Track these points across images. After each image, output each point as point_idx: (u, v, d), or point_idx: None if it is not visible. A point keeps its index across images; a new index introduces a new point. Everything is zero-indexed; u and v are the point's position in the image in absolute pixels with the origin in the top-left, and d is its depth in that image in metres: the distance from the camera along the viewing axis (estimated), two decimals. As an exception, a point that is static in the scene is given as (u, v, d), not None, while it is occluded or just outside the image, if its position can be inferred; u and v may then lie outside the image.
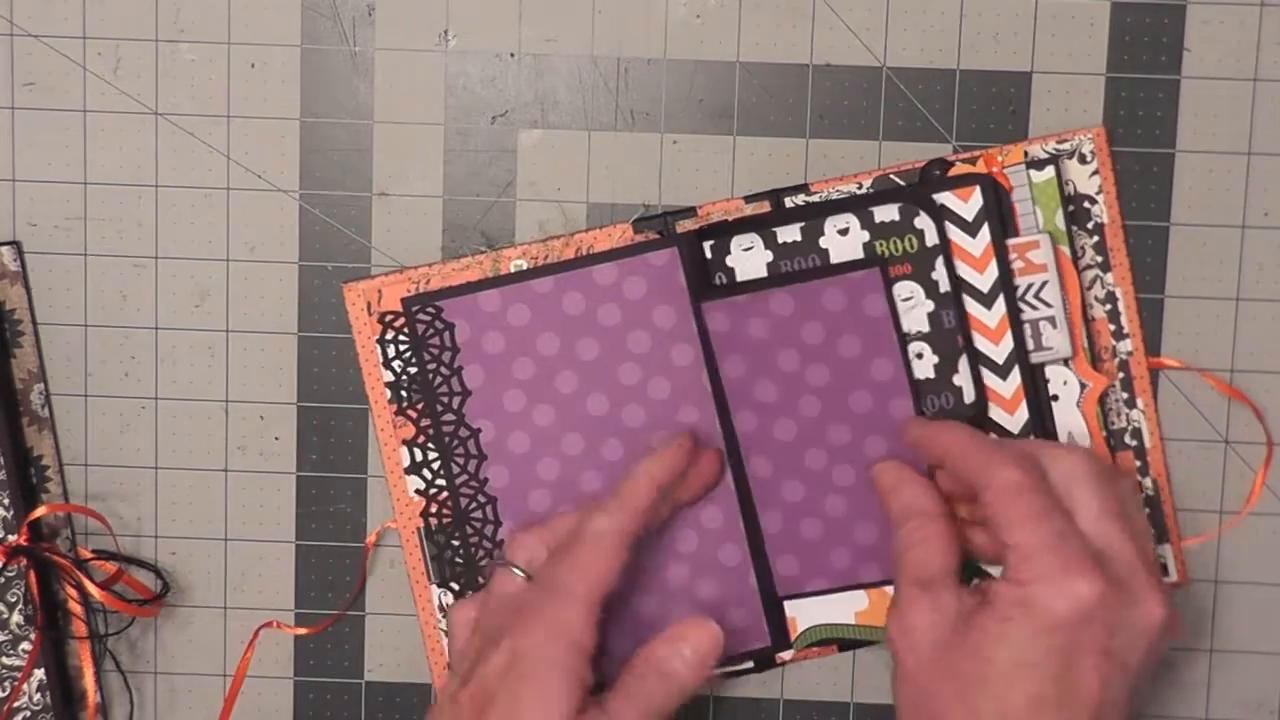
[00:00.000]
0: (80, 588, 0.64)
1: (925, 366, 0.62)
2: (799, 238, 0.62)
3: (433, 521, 0.64)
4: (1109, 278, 0.63)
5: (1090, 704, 0.53)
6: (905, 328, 0.61)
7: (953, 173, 0.62)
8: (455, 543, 0.64)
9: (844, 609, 0.63)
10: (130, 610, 0.64)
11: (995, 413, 0.62)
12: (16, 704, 0.64)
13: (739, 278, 0.62)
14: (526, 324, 0.63)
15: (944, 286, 0.61)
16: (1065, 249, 0.62)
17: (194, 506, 0.66)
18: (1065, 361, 0.62)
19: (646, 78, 0.64)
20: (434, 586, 0.64)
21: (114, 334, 0.65)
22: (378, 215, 0.64)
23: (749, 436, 0.62)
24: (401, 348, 0.63)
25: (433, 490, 0.64)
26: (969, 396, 0.62)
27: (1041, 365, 0.62)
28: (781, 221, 0.62)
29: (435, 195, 0.64)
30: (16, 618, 0.64)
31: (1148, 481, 0.64)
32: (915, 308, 0.61)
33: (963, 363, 0.62)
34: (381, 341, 0.63)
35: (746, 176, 0.64)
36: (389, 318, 0.63)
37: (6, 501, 0.63)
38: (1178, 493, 0.64)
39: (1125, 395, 0.63)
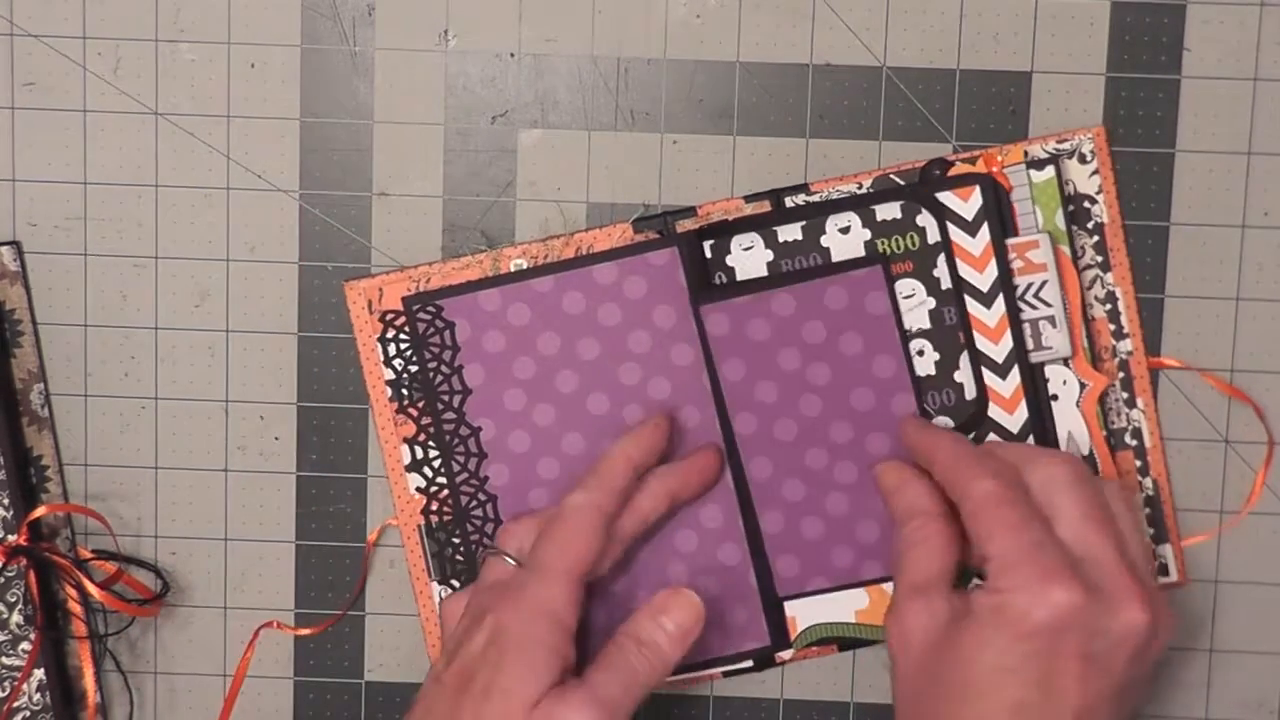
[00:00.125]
0: (80, 588, 0.64)
1: (926, 364, 0.62)
2: (800, 236, 0.62)
3: (433, 519, 0.64)
4: (1109, 277, 0.63)
5: (1073, 709, 0.53)
6: (907, 325, 0.61)
7: (953, 172, 0.62)
8: (456, 540, 0.64)
9: (844, 608, 0.63)
10: (130, 610, 0.64)
11: (995, 412, 0.62)
12: (16, 704, 0.64)
13: (739, 277, 0.62)
14: (527, 323, 0.63)
15: (945, 284, 0.61)
16: (1065, 249, 0.62)
17: (194, 506, 0.66)
18: (1065, 361, 0.62)
19: (646, 78, 0.64)
20: (435, 584, 0.64)
21: (114, 334, 0.65)
22: (378, 215, 0.64)
23: (749, 439, 0.62)
24: (402, 346, 0.63)
25: (433, 488, 0.64)
26: (970, 393, 0.62)
27: (1041, 365, 0.62)
28: (782, 221, 0.62)
29: (435, 195, 0.64)
30: (16, 618, 0.64)
31: (1148, 481, 0.64)
32: (917, 305, 0.61)
33: (964, 360, 0.62)
34: (382, 340, 0.63)
35: (746, 176, 0.64)
36: (390, 316, 0.63)
37: (6, 501, 0.63)
38: (1178, 493, 0.64)
39: (1125, 395, 0.63)
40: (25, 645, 0.64)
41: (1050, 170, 0.62)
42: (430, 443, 0.64)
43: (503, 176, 0.64)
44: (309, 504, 0.66)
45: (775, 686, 0.66)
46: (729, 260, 0.62)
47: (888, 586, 0.63)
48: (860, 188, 0.62)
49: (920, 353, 0.62)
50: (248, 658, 0.66)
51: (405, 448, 0.64)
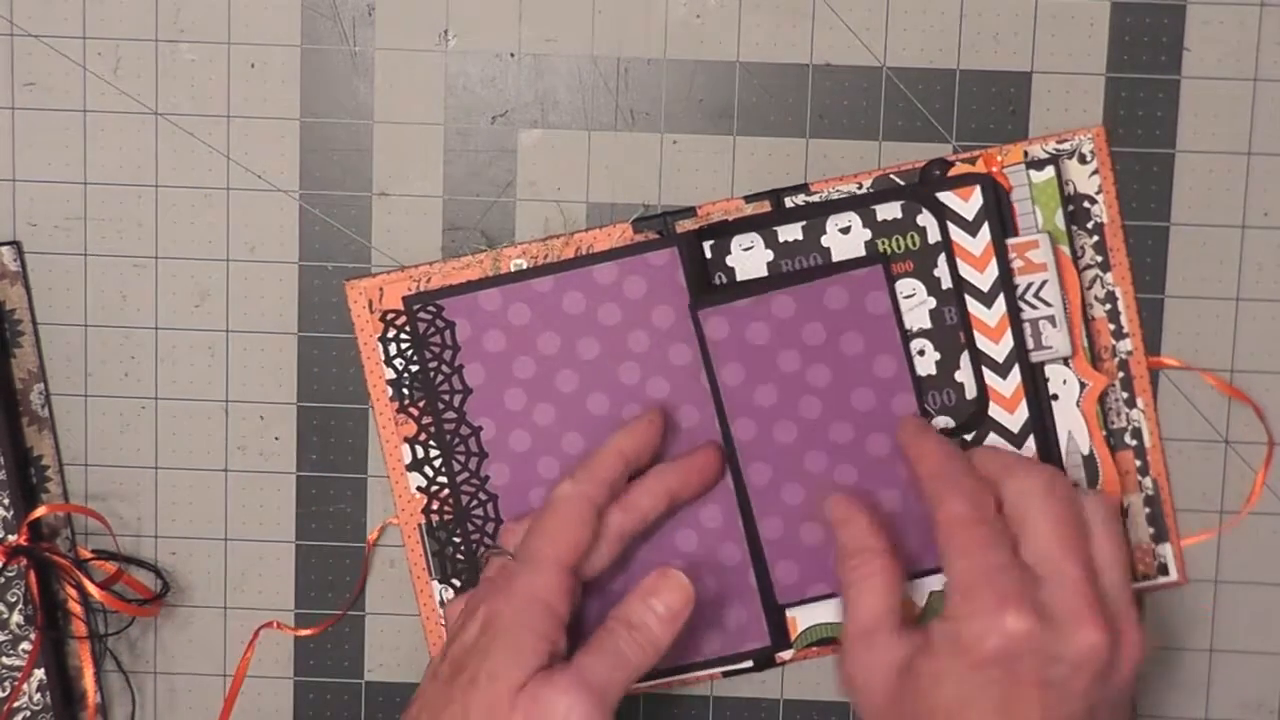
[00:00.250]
0: (80, 588, 0.64)
1: (927, 363, 0.62)
2: (800, 236, 0.62)
3: (434, 518, 0.64)
4: (1109, 277, 0.63)
5: None
6: (907, 325, 0.61)
7: (953, 173, 0.62)
8: (456, 539, 0.64)
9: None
10: (130, 610, 0.64)
11: (995, 411, 0.62)
12: (16, 704, 0.64)
13: (739, 277, 0.62)
14: (527, 323, 0.63)
15: (946, 283, 0.61)
16: (1065, 248, 0.62)
17: (194, 506, 0.66)
18: (1065, 360, 0.62)
19: (646, 78, 0.64)
20: (435, 582, 0.64)
21: (114, 334, 0.65)
22: (378, 215, 0.64)
23: (747, 444, 0.62)
24: (403, 345, 0.63)
25: (434, 487, 0.64)
26: (971, 393, 0.62)
27: (1041, 364, 0.62)
28: (782, 221, 0.62)
29: (435, 195, 0.64)
30: (16, 618, 0.64)
31: (1147, 481, 0.64)
32: (917, 305, 0.61)
33: (964, 359, 0.62)
34: (383, 339, 0.63)
35: (746, 176, 0.64)
36: (390, 316, 0.63)
37: (6, 501, 0.63)
38: (1177, 493, 0.64)
39: (1125, 395, 0.63)
40: (25, 645, 0.64)
41: (1050, 170, 0.62)
42: (431, 442, 0.64)
43: (503, 176, 0.64)
44: (309, 504, 0.66)
45: (775, 686, 0.66)
46: (729, 260, 0.62)
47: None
48: (860, 188, 0.62)
49: (921, 352, 0.62)
50: (248, 658, 0.66)
51: (406, 447, 0.64)
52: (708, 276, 0.62)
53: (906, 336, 0.61)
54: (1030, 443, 0.62)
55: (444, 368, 0.63)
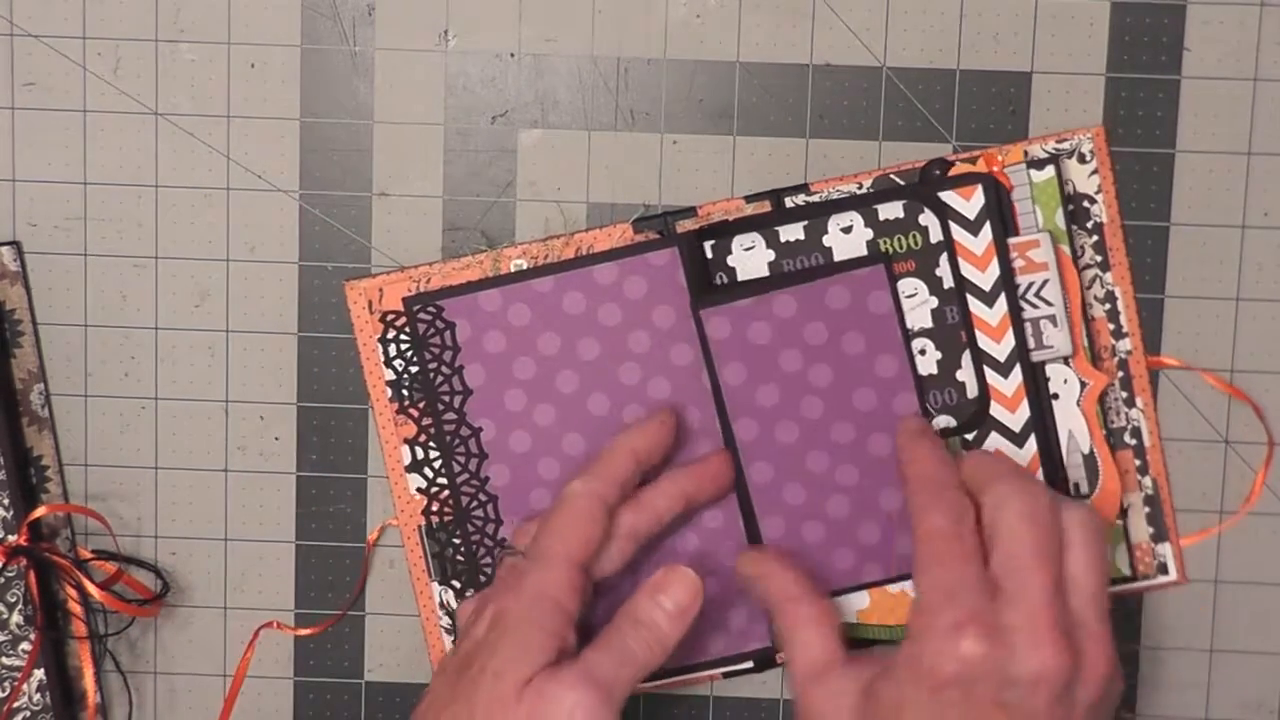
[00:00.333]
0: (80, 588, 0.64)
1: (929, 363, 0.62)
2: (802, 236, 0.62)
3: (434, 520, 0.64)
4: (1108, 277, 0.63)
5: None
6: (909, 324, 0.61)
7: (953, 172, 0.62)
8: (456, 541, 0.64)
9: (846, 608, 0.63)
10: (130, 610, 0.64)
11: (997, 411, 0.62)
12: (16, 704, 0.64)
13: (740, 277, 0.62)
14: (527, 323, 0.63)
15: (948, 283, 0.61)
16: (1065, 248, 0.62)
17: (194, 506, 0.66)
18: (1065, 360, 0.62)
19: (646, 78, 0.64)
20: (435, 584, 0.64)
21: (114, 334, 0.65)
22: (378, 215, 0.64)
23: (749, 444, 0.62)
24: (403, 346, 0.63)
25: (434, 489, 0.64)
26: (972, 392, 0.62)
27: (1042, 363, 0.62)
28: (783, 221, 0.62)
29: (435, 195, 0.64)
30: (16, 618, 0.64)
31: (1147, 480, 0.64)
32: (919, 304, 0.61)
33: (966, 358, 0.62)
34: (383, 340, 0.63)
35: (746, 176, 0.64)
36: (390, 317, 0.63)
37: (6, 501, 0.63)
38: (1177, 492, 0.64)
39: (1125, 394, 0.63)
40: (25, 645, 0.64)
41: (1050, 170, 0.62)
42: (431, 443, 0.64)
43: (503, 176, 0.64)
44: (309, 504, 0.66)
45: (775, 686, 0.66)
46: (730, 260, 0.62)
47: (890, 588, 0.63)
48: (860, 188, 0.62)
49: (922, 352, 0.62)
50: (248, 658, 0.66)
51: (406, 448, 0.64)
52: (709, 276, 0.62)
53: (908, 336, 0.61)
54: (1031, 442, 0.62)
55: (444, 368, 0.63)
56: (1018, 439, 0.62)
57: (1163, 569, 0.64)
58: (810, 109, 0.63)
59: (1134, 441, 0.64)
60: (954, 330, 0.62)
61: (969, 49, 0.63)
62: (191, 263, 0.65)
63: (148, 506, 0.66)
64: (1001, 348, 0.62)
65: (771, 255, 0.62)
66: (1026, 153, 0.62)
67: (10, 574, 0.64)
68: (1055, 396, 0.62)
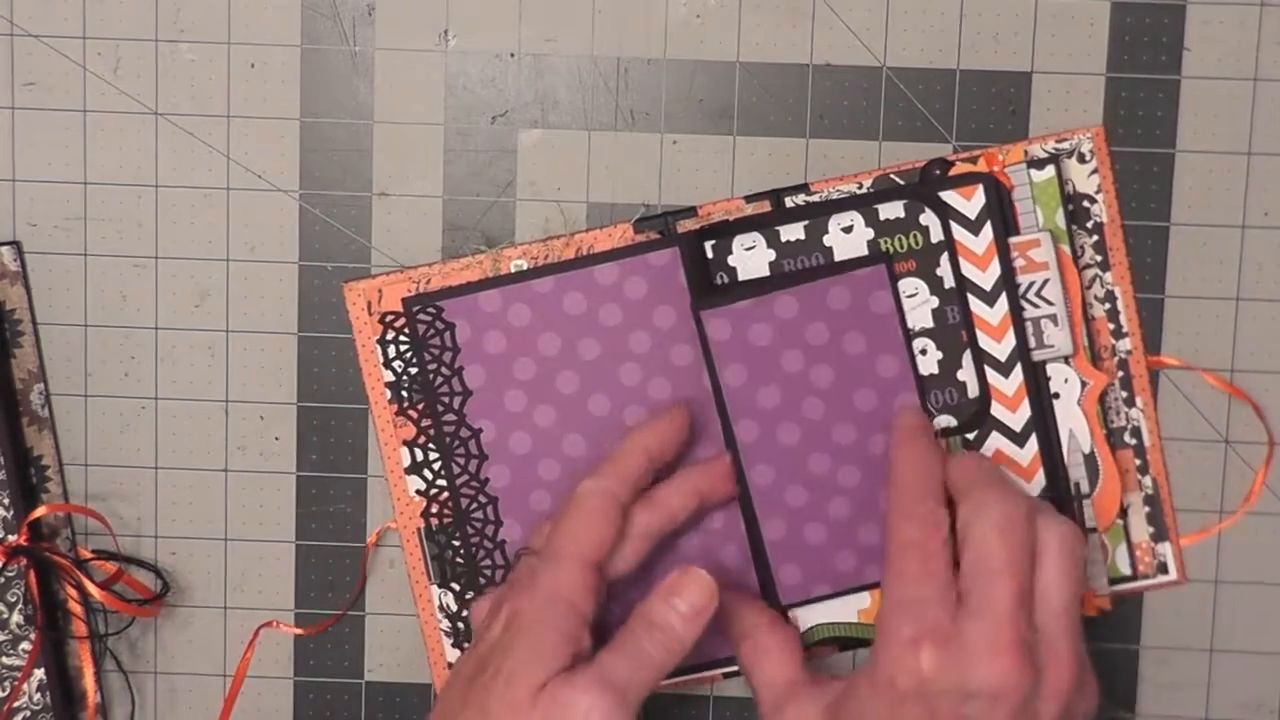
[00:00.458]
0: (80, 588, 0.64)
1: (929, 362, 0.62)
2: (802, 236, 0.62)
3: (433, 521, 0.64)
4: (1108, 277, 0.63)
5: None
6: (910, 324, 0.61)
7: (953, 172, 0.62)
8: (456, 543, 0.64)
9: (847, 608, 0.63)
10: (130, 610, 0.64)
11: (997, 410, 0.62)
12: (16, 704, 0.64)
13: (741, 277, 0.62)
14: (527, 324, 0.62)
15: (948, 283, 0.61)
16: (1065, 248, 0.62)
17: (194, 506, 0.66)
18: (1066, 359, 0.62)
19: (646, 78, 0.64)
20: (434, 587, 0.64)
21: (114, 334, 0.65)
22: (378, 215, 0.64)
23: (750, 446, 0.62)
24: (402, 348, 0.63)
25: (433, 490, 0.64)
26: (973, 391, 0.62)
27: (1043, 363, 0.62)
28: (783, 221, 0.62)
29: (435, 195, 0.64)
30: (16, 618, 0.64)
31: (1147, 480, 0.64)
32: (920, 304, 0.61)
33: (967, 358, 0.62)
34: (382, 341, 0.63)
35: (746, 176, 0.64)
36: (389, 318, 0.63)
37: (6, 501, 0.63)
38: (1177, 492, 0.64)
39: (1125, 394, 0.63)
40: (25, 645, 0.64)
41: (1050, 170, 0.62)
42: (430, 445, 0.64)
43: (503, 176, 0.64)
44: (309, 504, 0.66)
45: (776, 686, 0.66)
46: (731, 260, 0.62)
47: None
48: (860, 188, 0.62)
49: (923, 352, 0.62)
50: (248, 658, 0.66)
51: (405, 450, 0.64)
52: (709, 277, 0.62)
53: (909, 336, 0.61)
54: (1032, 441, 0.62)
55: (444, 369, 0.63)
56: (1019, 438, 0.62)
57: (1163, 569, 0.64)
58: (810, 109, 0.63)
59: (1134, 441, 0.64)
60: (955, 330, 0.62)
61: (969, 49, 0.63)
62: (191, 263, 0.65)
63: (148, 506, 0.66)
64: (1002, 347, 0.62)
65: (772, 255, 0.62)
66: (1027, 152, 0.62)
67: (10, 574, 0.64)
68: (1056, 396, 0.62)
